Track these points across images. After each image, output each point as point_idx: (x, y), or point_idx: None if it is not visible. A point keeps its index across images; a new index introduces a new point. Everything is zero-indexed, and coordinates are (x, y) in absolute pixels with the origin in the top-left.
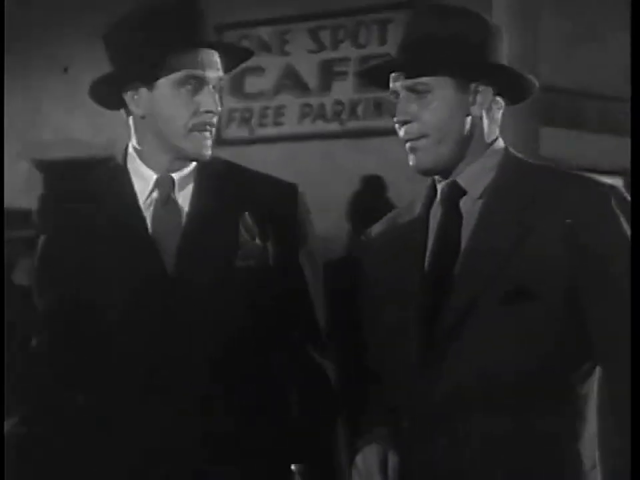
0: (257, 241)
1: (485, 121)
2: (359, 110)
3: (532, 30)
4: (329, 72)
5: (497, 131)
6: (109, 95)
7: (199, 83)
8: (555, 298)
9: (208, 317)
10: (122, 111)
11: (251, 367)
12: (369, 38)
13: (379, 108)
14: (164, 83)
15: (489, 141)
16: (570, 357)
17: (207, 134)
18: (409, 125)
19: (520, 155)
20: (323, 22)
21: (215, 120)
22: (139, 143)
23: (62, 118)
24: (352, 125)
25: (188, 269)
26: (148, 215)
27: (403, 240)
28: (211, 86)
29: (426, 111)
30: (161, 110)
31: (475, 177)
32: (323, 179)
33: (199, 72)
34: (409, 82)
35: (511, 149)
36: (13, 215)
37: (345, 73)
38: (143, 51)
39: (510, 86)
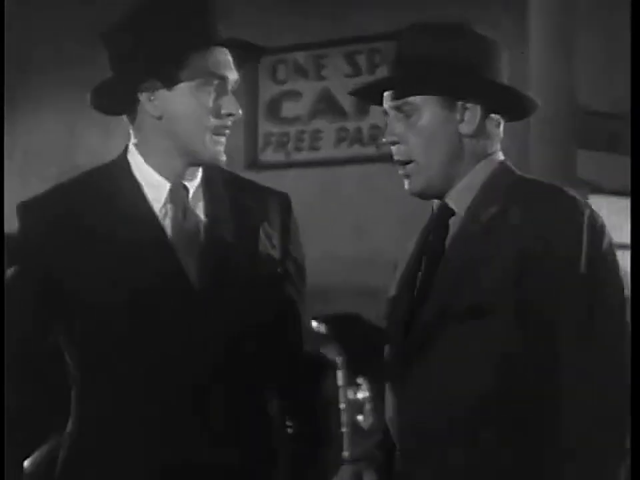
0: (274, 250)
1: (476, 138)
2: None
3: (569, 53)
4: None
5: (495, 146)
6: (118, 97)
7: (221, 85)
8: (511, 312)
9: (233, 328)
10: (124, 117)
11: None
12: None
13: None
14: (185, 84)
15: (480, 157)
16: (542, 369)
17: (224, 138)
18: (396, 147)
19: (517, 170)
20: (359, 46)
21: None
22: (148, 147)
23: (96, 141)
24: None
25: (212, 282)
26: (165, 225)
27: (406, 269)
28: (229, 88)
29: (412, 132)
30: (181, 111)
31: (462, 195)
32: (360, 203)
33: (220, 73)
34: (397, 102)
35: (508, 163)
36: None
37: None
38: (163, 50)
39: (504, 103)
